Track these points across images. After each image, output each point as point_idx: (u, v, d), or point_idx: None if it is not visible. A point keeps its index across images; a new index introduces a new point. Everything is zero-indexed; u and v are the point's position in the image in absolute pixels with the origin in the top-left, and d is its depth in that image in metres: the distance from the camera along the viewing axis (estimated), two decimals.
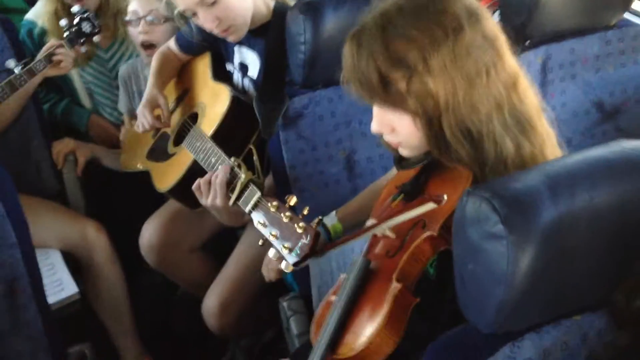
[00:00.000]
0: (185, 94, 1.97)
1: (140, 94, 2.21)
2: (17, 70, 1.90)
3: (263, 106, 1.58)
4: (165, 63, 1.97)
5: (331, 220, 1.38)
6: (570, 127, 1.64)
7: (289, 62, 1.57)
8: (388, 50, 0.96)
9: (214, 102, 1.78)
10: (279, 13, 1.68)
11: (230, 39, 1.70)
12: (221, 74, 1.87)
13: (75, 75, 2.35)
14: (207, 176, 1.39)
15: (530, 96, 1.03)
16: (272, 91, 1.60)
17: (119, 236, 2.02)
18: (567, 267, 0.78)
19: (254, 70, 1.76)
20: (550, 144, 1.04)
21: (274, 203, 1.17)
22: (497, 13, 2.06)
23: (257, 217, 1.20)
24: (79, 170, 2.16)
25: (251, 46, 1.74)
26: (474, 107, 0.96)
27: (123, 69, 2.25)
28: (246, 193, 1.28)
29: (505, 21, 1.60)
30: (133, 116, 2.26)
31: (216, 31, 1.63)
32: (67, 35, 2.00)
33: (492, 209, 0.78)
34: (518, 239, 0.76)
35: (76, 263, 1.94)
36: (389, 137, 1.05)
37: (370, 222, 1.14)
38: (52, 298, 1.63)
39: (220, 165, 1.46)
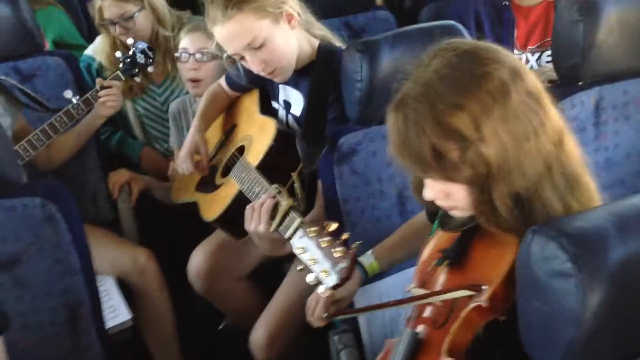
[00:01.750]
0: (234, 129, 2.04)
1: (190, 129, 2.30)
2: (74, 100, 1.99)
3: (305, 144, 1.62)
4: (214, 101, 2.05)
5: (368, 259, 1.38)
6: (623, 168, 1.63)
7: (343, 99, 1.61)
8: (439, 122, 0.94)
9: (260, 135, 1.84)
10: (324, 53, 1.74)
11: (277, 79, 1.75)
12: (268, 110, 1.93)
13: (129, 108, 2.45)
14: (251, 204, 1.44)
15: (575, 150, 1.01)
16: (314, 130, 1.65)
17: (169, 264, 2.07)
18: (636, 306, 0.79)
19: (297, 108, 1.81)
20: (595, 199, 1.01)
21: (313, 229, 1.20)
22: (546, 53, 2.09)
23: (297, 243, 1.23)
24: (133, 200, 2.22)
25: (295, 85, 1.79)
26: (524, 171, 0.94)
27: (173, 106, 2.33)
28: (287, 220, 1.31)
29: (557, 62, 1.61)
30: None
31: (263, 73, 1.69)
32: (122, 66, 2.10)
33: (560, 247, 0.80)
34: (588, 277, 0.76)
35: (128, 290, 1.99)
36: (442, 202, 1.03)
37: (413, 286, 1.13)
38: (107, 324, 1.67)
39: (263, 195, 1.50)
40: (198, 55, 2.14)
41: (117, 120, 2.47)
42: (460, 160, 0.94)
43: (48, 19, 2.81)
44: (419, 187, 1.07)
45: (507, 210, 0.95)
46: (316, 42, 1.76)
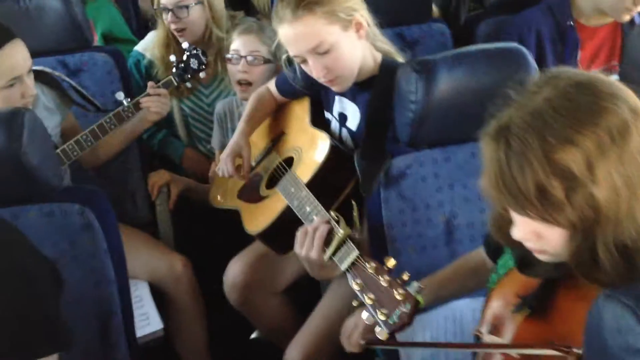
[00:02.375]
0: (281, 136, 1.98)
1: (234, 131, 2.25)
2: (125, 103, 1.96)
3: (364, 163, 1.55)
4: (261, 105, 1.99)
5: (413, 291, 1.31)
6: None
7: (395, 119, 1.54)
8: (547, 157, 0.85)
9: (311, 149, 1.78)
10: (386, 68, 1.67)
11: (335, 88, 1.69)
12: (319, 120, 1.87)
13: (175, 108, 2.42)
14: (304, 227, 1.37)
15: None
16: (373, 148, 1.57)
17: (204, 271, 2.03)
18: None
19: (352, 122, 1.75)
20: None
21: (372, 264, 1.13)
22: (611, 77, 1.98)
23: (353, 277, 1.16)
24: (171, 203, 2.19)
25: (353, 98, 1.73)
26: (634, 218, 0.87)
27: (219, 106, 2.30)
28: (343, 250, 1.25)
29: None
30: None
31: (323, 80, 1.63)
32: (175, 71, 2.06)
33: (638, 321, 0.71)
34: None
35: (161, 296, 1.96)
36: (531, 244, 0.95)
37: (483, 331, 1.05)
38: (138, 332, 1.64)
39: (315, 216, 1.44)
40: (249, 58, 2.10)
41: (162, 119, 2.45)
42: (565, 201, 0.86)
43: (98, 12, 2.81)
44: (502, 222, 0.99)
45: (610, 263, 0.87)
46: (379, 56, 1.69)
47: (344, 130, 1.79)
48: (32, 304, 1.03)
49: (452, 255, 1.53)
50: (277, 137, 1.99)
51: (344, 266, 1.20)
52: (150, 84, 2.01)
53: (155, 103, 1.97)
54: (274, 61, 2.09)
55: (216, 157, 2.32)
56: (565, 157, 0.85)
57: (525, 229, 0.93)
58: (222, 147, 2.29)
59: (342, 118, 1.79)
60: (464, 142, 1.54)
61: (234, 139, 1.90)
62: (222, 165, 1.87)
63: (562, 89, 0.90)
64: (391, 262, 1.07)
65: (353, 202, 1.37)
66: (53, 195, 1.37)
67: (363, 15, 1.61)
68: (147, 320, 1.73)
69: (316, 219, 1.41)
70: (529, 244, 0.95)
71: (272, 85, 1.98)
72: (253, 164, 1.92)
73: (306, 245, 1.34)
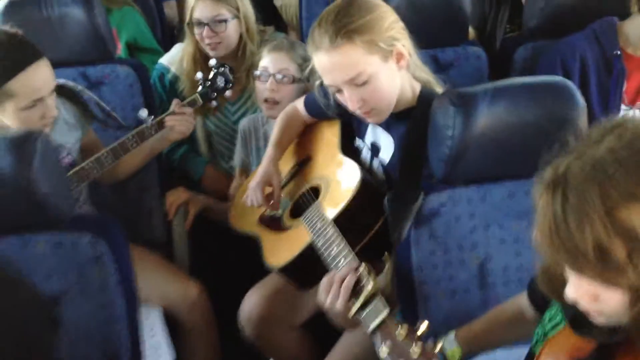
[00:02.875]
0: (308, 161, 1.89)
1: (258, 150, 2.18)
2: (149, 121, 1.89)
3: (395, 205, 1.45)
4: (289, 127, 1.91)
5: (450, 344, 1.21)
6: None
7: (429, 154, 1.44)
8: (610, 215, 0.78)
9: (340, 180, 1.68)
10: (425, 100, 1.56)
11: (371, 120, 1.60)
12: (349, 147, 1.77)
13: (198, 124, 2.34)
14: (330, 275, 1.28)
15: None
16: (407, 188, 1.47)
17: (220, 298, 1.95)
18: None
19: (386, 154, 1.65)
20: None
21: (402, 330, 1.04)
22: None
23: (380, 340, 1.06)
24: (188, 223, 2.11)
25: (387, 128, 1.63)
26: None
27: (244, 123, 2.22)
28: (371, 306, 1.15)
29: None
30: (246, 171, 2.22)
31: (358, 112, 1.54)
32: (201, 89, 1.98)
33: None
34: None
35: (173, 322, 1.88)
36: (587, 305, 0.87)
37: None
38: None
39: (342, 260, 1.35)
40: (278, 76, 2.02)
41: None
42: (628, 262, 0.78)
43: (123, 20, 2.75)
44: (553, 276, 0.91)
45: None
46: (418, 86, 1.59)
47: (376, 161, 1.69)
48: (23, 346, 0.95)
49: (485, 300, 1.43)
50: (303, 161, 1.90)
51: (371, 327, 1.10)
52: (175, 101, 1.93)
53: (180, 122, 1.89)
54: (303, 80, 2.01)
55: (236, 175, 2.24)
56: (630, 215, 0.78)
57: (581, 289, 0.85)
58: (244, 165, 2.23)
59: (375, 148, 1.69)
60: (501, 180, 1.44)
61: (262, 167, 1.82)
62: (251, 194, 1.78)
63: (628, 140, 0.81)
64: (423, 327, 0.97)
65: (386, 254, 1.27)
66: (63, 224, 1.29)
67: (405, 45, 1.51)
68: (158, 352, 1.64)
69: (343, 263, 1.32)
70: (584, 305, 0.87)
71: (300, 104, 1.89)
72: None
73: (331, 296, 1.25)
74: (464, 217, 1.42)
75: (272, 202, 1.77)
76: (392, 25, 1.50)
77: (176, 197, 2.13)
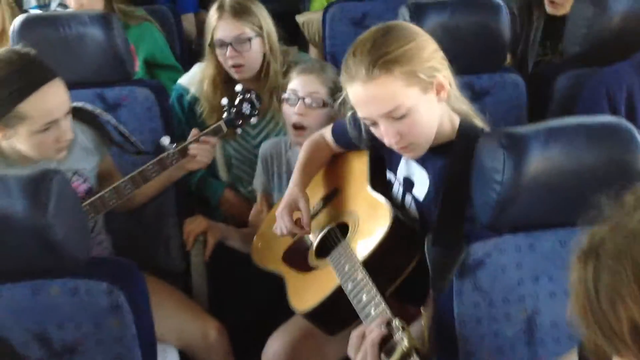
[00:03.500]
0: (335, 194, 1.78)
1: (280, 177, 2.08)
2: (171, 149, 1.79)
3: (436, 251, 1.33)
4: (316, 154, 1.80)
5: None
6: None
7: (473, 198, 1.33)
8: None
9: (369, 218, 1.57)
10: (465, 134, 1.46)
11: (408, 155, 1.50)
12: (379, 179, 1.66)
13: (217, 147, 2.24)
14: (359, 329, 1.17)
15: None
16: (448, 232, 1.36)
17: (240, 338, 1.84)
18: None
19: (420, 190, 1.54)
20: None
21: None
22: None
23: None
24: (207, 253, 2.01)
25: (423, 163, 1.52)
26: None
27: (266, 147, 2.12)
28: None
29: None
30: (267, 196, 2.12)
31: (395, 147, 1.44)
32: (226, 116, 1.88)
33: None
34: None
35: None
36: None
37: None
38: None
39: (373, 310, 1.24)
40: (307, 100, 1.92)
41: None
42: None
43: (141, 36, 2.67)
44: (597, 346, 0.80)
45: None
46: (457, 119, 1.48)
47: (409, 198, 1.58)
48: None
49: (533, 358, 1.31)
50: (330, 194, 1.79)
51: None
52: (194, 131, 1.82)
53: (202, 152, 1.79)
54: (333, 105, 1.91)
55: (258, 201, 2.15)
56: None
57: None
58: (265, 190, 2.13)
59: (408, 183, 1.58)
60: (552, 228, 1.32)
61: (289, 192, 1.71)
62: (279, 221, 1.67)
63: None
64: None
65: (422, 310, 1.16)
66: (78, 270, 1.19)
67: (445, 75, 1.41)
68: None
69: (374, 314, 1.22)
70: None
71: (328, 133, 1.79)
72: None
73: (361, 353, 1.14)
74: (510, 267, 1.31)
75: (302, 227, 1.66)
76: (432, 54, 1.40)
77: (195, 225, 2.02)
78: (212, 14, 2.14)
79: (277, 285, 1.71)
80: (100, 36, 1.93)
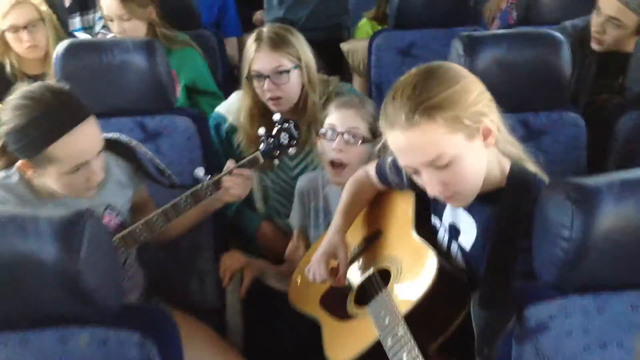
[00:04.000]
0: (378, 236, 1.68)
1: (317, 213, 2.00)
2: (205, 181, 1.72)
3: (483, 313, 1.22)
4: (359, 195, 1.72)
5: None
6: None
7: (535, 254, 1.22)
8: None
9: (413, 266, 1.48)
10: (516, 180, 1.35)
11: (453, 205, 1.41)
12: (424, 223, 1.57)
13: (254, 178, 2.18)
14: None
15: None
16: (497, 288, 1.25)
17: None
18: None
19: (466, 239, 1.43)
20: None
21: None
22: None
23: None
24: (243, 290, 1.93)
25: (470, 210, 1.42)
26: None
27: (303, 181, 2.05)
28: None
29: None
30: (304, 232, 2.04)
31: (439, 196, 1.34)
32: (263, 147, 1.81)
33: None
34: None
35: None
36: None
37: None
38: None
39: None
40: (347, 136, 1.84)
41: None
42: None
43: (183, 61, 2.63)
44: None
45: None
46: (507, 164, 1.38)
47: (455, 246, 1.48)
48: None
49: None
50: (372, 236, 1.70)
51: None
52: (230, 162, 1.76)
53: (237, 185, 1.72)
54: (373, 141, 1.83)
55: (294, 237, 2.07)
56: None
57: None
58: (302, 226, 2.04)
59: (454, 230, 1.48)
60: (622, 290, 1.20)
61: (328, 237, 1.63)
62: (314, 267, 1.60)
63: None
64: None
65: None
66: (109, 319, 1.12)
67: (493, 120, 1.31)
68: None
69: None
70: None
71: (372, 169, 1.70)
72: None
73: None
74: (576, 332, 1.19)
75: (337, 277, 1.59)
76: (478, 98, 1.30)
77: (232, 261, 1.95)
78: (250, 44, 2.09)
79: (315, 327, 1.62)
80: (143, 64, 1.88)
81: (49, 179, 1.48)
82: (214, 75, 2.77)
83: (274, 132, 1.82)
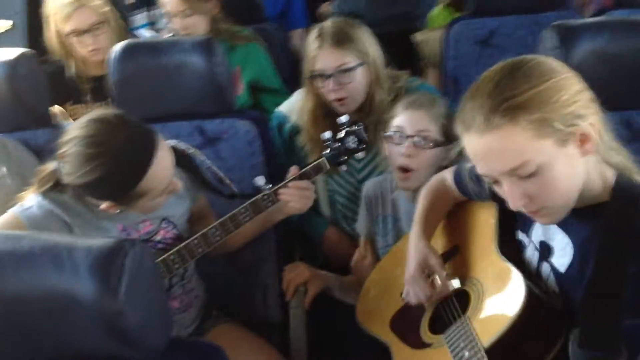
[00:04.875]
0: (455, 253, 1.51)
1: (385, 220, 1.86)
2: (265, 190, 1.59)
3: (585, 352, 1.03)
4: (437, 203, 1.56)
5: None
6: None
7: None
8: None
9: (496, 291, 1.31)
10: (622, 195, 1.15)
11: (541, 221, 1.22)
12: (509, 239, 1.38)
13: (320, 181, 2.05)
14: None
15: None
16: (600, 327, 1.05)
17: None
18: None
19: (560, 260, 1.24)
20: None
21: None
22: None
23: None
24: (307, 301, 1.80)
25: (565, 227, 1.23)
26: None
27: (369, 187, 1.90)
28: None
29: None
30: (371, 241, 1.89)
31: (523, 210, 1.16)
32: (328, 153, 1.66)
33: None
34: None
35: None
36: None
37: None
38: None
39: None
40: (416, 139, 1.68)
41: None
42: None
43: (246, 58, 2.53)
44: None
45: None
46: (611, 174, 1.18)
47: (546, 267, 1.29)
48: None
49: None
50: (449, 252, 1.52)
51: None
52: (293, 169, 1.62)
53: (295, 198, 1.59)
54: (446, 144, 1.65)
55: (361, 245, 1.92)
56: None
57: None
58: (369, 234, 1.89)
59: (545, 249, 1.29)
60: None
61: (415, 249, 1.48)
62: (413, 286, 1.45)
63: None
64: None
65: None
66: (155, 357, 1.00)
67: (593, 123, 1.11)
68: None
69: None
70: None
71: (450, 176, 1.53)
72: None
73: None
74: None
75: (438, 290, 1.43)
76: (574, 97, 1.11)
77: (295, 274, 1.82)
78: (311, 42, 1.93)
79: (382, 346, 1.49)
80: (201, 64, 1.77)
81: (134, 209, 1.43)
82: (279, 71, 2.65)
83: (340, 135, 1.66)
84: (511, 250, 1.36)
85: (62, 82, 2.40)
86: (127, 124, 1.38)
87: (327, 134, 1.67)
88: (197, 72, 1.77)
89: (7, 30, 2.54)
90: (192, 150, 1.63)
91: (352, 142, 1.67)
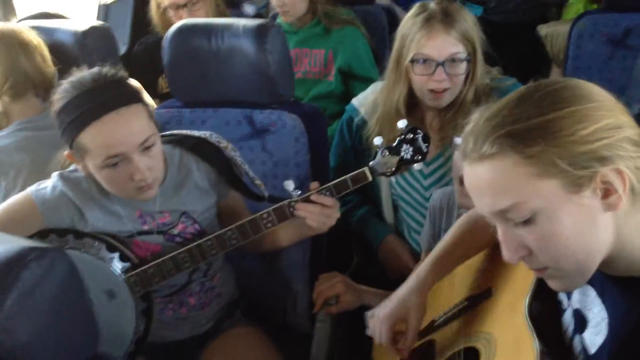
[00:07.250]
0: (486, 297, 1.27)
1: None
2: (294, 196, 1.45)
3: None
4: (469, 237, 1.34)
5: None
6: None
7: None
8: None
9: (507, 357, 1.08)
10: None
11: (550, 284, 0.97)
12: (547, 296, 1.11)
13: (384, 183, 1.87)
14: None
15: None
16: None
17: None
18: None
19: (592, 338, 0.98)
20: None
21: None
22: None
23: None
24: (335, 310, 1.64)
25: (602, 294, 0.97)
26: None
27: (436, 196, 1.69)
28: None
29: None
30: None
31: (527, 265, 0.94)
32: (375, 161, 1.45)
33: None
34: None
35: None
36: None
37: None
38: None
39: None
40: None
41: (367, 192, 1.91)
42: None
43: (341, 41, 2.39)
44: None
45: None
46: None
47: (577, 341, 1.03)
48: None
49: None
50: (480, 295, 1.30)
51: None
52: (314, 185, 1.45)
53: (312, 216, 1.42)
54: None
55: (422, 257, 1.71)
56: None
57: None
58: (430, 248, 1.67)
59: (580, 319, 1.03)
60: None
61: (405, 293, 1.30)
62: (377, 325, 1.30)
63: None
64: None
65: None
66: None
67: (622, 170, 0.85)
68: None
69: None
70: None
71: None
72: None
73: None
74: None
75: (400, 349, 1.28)
76: (600, 134, 0.86)
77: (327, 286, 1.65)
78: (414, 21, 1.69)
79: None
80: (253, 52, 1.66)
81: (95, 175, 1.37)
82: (380, 59, 2.46)
83: (395, 143, 1.46)
84: (546, 311, 1.11)
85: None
86: (104, 75, 1.33)
87: (378, 140, 1.46)
88: (248, 58, 1.66)
89: (115, 2, 2.62)
90: (223, 144, 1.53)
91: (406, 152, 1.46)
